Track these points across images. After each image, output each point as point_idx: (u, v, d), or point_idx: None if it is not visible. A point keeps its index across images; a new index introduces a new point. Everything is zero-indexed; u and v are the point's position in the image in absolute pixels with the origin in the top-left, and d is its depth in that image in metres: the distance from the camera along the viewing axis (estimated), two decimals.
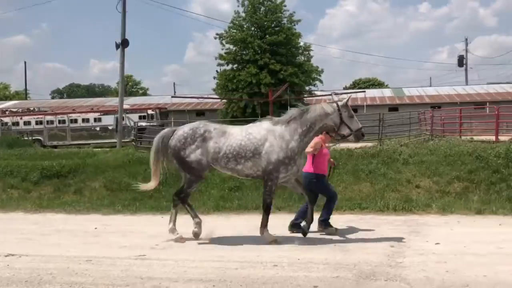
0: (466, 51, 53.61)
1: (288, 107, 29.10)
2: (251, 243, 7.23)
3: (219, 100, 36.28)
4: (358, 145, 13.63)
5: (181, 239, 7.43)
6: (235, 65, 34.78)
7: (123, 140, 24.12)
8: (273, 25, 33.98)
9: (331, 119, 7.14)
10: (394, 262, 6.00)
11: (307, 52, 35.89)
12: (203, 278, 5.60)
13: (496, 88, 40.24)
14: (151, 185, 7.91)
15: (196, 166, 7.20)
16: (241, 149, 6.99)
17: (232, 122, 28.48)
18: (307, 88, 35.97)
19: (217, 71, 35.92)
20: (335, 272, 5.61)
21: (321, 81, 36.42)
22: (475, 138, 16.90)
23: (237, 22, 34.84)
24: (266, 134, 7.05)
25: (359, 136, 7.35)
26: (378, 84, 57.30)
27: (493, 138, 15.67)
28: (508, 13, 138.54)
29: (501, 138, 15.74)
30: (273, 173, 7.00)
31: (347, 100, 7.20)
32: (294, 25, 34.68)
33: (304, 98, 35.66)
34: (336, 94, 39.83)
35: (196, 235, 7.51)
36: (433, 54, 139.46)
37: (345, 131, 7.19)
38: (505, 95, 37.99)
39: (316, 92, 37.54)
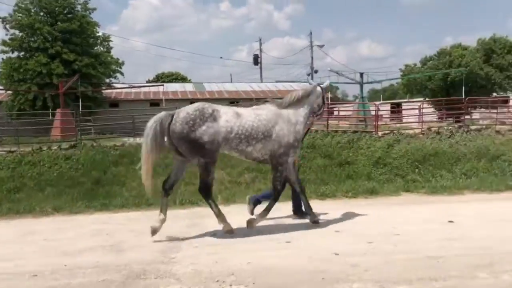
0: (261, 50, 57.56)
1: (80, 99, 27.44)
2: (11, 251, 6.40)
3: (3, 91, 32.36)
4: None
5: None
6: (22, 53, 31.39)
7: None
8: (65, 12, 31.56)
9: (319, 101, 7.56)
10: (167, 258, 5.87)
11: (106, 43, 34.31)
12: None
13: (285, 86, 44.21)
14: (148, 184, 6.95)
15: (210, 147, 6.64)
16: (253, 130, 6.81)
17: (19, 116, 25.63)
18: (107, 80, 34.42)
19: (3, 59, 32.01)
20: (102, 276, 5.23)
21: (122, 73, 35.25)
22: None
23: (23, 6, 31.45)
24: (274, 117, 6.99)
25: (322, 113, 8.08)
26: (182, 79, 57.70)
27: None
28: (299, 17, 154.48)
29: None
30: (282, 157, 6.99)
31: (328, 84, 7.99)
32: (90, 13, 32.78)
33: (102, 90, 34.10)
34: (133, 86, 38.57)
35: (230, 231, 6.98)
36: (234, 52, 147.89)
37: (321, 110, 7.74)
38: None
39: (116, 85, 36.15)
